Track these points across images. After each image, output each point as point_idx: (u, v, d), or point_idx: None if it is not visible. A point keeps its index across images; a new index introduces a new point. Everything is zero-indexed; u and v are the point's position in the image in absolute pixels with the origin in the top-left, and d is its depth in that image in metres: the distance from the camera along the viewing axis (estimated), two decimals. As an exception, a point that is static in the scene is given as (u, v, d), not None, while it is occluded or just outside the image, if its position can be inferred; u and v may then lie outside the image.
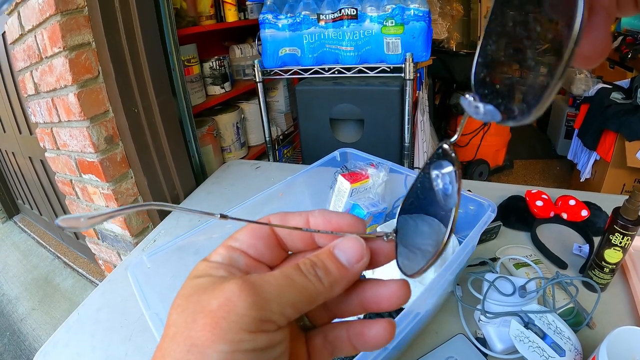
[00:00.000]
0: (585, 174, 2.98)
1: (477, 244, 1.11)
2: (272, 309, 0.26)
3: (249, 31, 2.57)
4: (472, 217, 0.84)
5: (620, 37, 3.71)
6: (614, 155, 2.66)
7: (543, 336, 0.75)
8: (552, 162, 4.02)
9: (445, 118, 3.83)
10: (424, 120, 2.15)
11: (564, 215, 1.19)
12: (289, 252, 0.35)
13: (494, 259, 1.03)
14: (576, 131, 3.15)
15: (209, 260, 0.31)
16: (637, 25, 3.66)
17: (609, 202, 1.19)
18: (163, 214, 1.63)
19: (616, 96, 2.82)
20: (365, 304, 0.33)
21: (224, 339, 0.25)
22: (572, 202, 1.19)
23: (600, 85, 3.05)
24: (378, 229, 0.97)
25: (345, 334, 0.33)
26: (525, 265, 1.00)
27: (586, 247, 1.08)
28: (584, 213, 1.16)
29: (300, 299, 0.28)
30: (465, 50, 3.84)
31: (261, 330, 0.26)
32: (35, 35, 1.47)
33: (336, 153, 1.13)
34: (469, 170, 3.52)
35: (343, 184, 1.01)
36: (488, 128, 3.41)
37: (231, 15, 2.31)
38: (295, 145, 2.85)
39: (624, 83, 2.99)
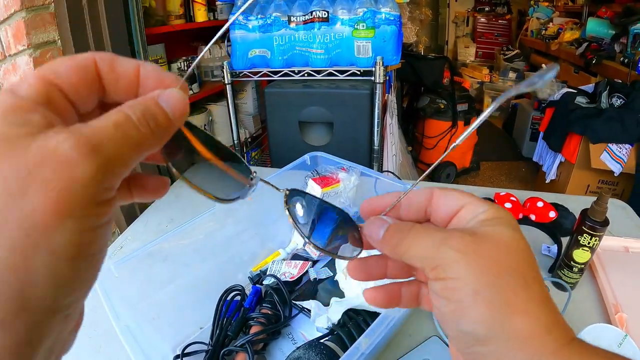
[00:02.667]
0: (551, 175, 3.05)
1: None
2: (115, 172, 0.23)
3: (218, 31, 2.54)
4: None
5: (585, 44, 3.81)
6: (578, 157, 2.73)
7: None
8: (518, 163, 4.10)
9: (412, 121, 3.86)
10: (392, 124, 2.16)
11: (532, 217, 1.21)
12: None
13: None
14: (541, 134, 3.23)
15: (17, 94, 0.23)
16: (602, 32, 3.77)
17: (575, 203, 1.21)
18: (130, 219, 1.60)
19: (581, 100, 2.89)
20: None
21: (71, 216, 0.20)
22: (540, 204, 1.21)
23: (565, 89, 3.12)
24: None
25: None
26: (496, 266, 1.01)
27: (554, 248, 1.10)
28: (552, 214, 1.18)
29: (132, 154, 0.24)
30: (433, 54, 3.90)
31: (106, 200, 0.22)
32: (-1, 32, 1.43)
33: (306, 157, 1.12)
34: (436, 172, 3.55)
35: (314, 189, 1.00)
36: (455, 131, 3.46)
37: (201, 15, 2.29)
38: (264, 148, 2.83)
39: (588, 88, 3.07)
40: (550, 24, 4.99)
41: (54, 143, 0.21)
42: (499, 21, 6.32)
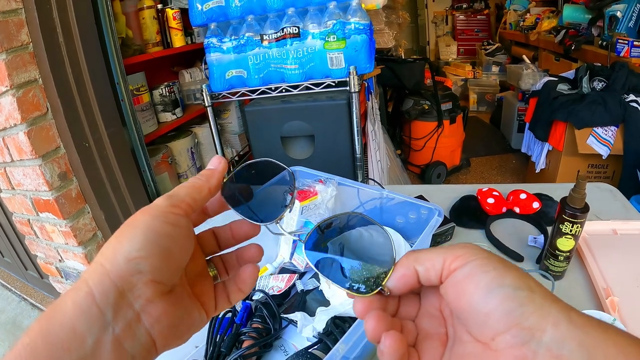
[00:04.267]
0: (540, 165, 3.06)
1: (433, 246, 1.13)
2: (178, 197, 0.39)
3: (197, 55, 2.56)
4: (424, 223, 0.86)
5: (563, 31, 3.82)
6: (565, 144, 2.75)
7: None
8: (507, 156, 4.11)
9: (399, 124, 3.88)
10: (375, 130, 2.17)
11: (516, 210, 1.22)
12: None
13: (451, 260, 1.04)
14: (527, 124, 3.23)
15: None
16: (579, 17, 3.78)
17: (560, 191, 1.22)
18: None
19: (562, 87, 2.90)
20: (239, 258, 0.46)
21: (148, 214, 0.36)
22: (523, 196, 1.22)
23: (547, 78, 3.12)
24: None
25: (233, 282, 0.45)
26: (482, 262, 1.02)
27: (541, 238, 1.11)
28: (536, 205, 1.19)
29: (191, 190, 0.41)
30: (413, 57, 3.92)
31: (172, 212, 0.38)
32: (-20, 74, 1.45)
33: (285, 172, 1.13)
34: (427, 173, 3.57)
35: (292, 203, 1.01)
36: (442, 130, 3.48)
37: (178, 40, 2.30)
38: (251, 165, 2.84)
39: (569, 74, 3.07)
40: (528, 14, 5.01)
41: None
42: (478, 17, 6.37)
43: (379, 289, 0.37)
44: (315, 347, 0.77)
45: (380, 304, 0.38)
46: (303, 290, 0.95)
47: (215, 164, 0.45)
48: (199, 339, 0.86)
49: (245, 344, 0.81)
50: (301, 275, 1.02)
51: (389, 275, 0.37)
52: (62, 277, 1.91)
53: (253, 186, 0.50)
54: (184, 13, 2.15)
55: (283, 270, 1.05)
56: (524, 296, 0.31)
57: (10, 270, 3.55)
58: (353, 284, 0.39)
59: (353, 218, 0.43)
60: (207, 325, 0.84)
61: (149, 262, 0.34)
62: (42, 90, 1.46)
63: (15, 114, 1.41)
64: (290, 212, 0.47)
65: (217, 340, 0.82)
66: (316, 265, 0.41)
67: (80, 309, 0.32)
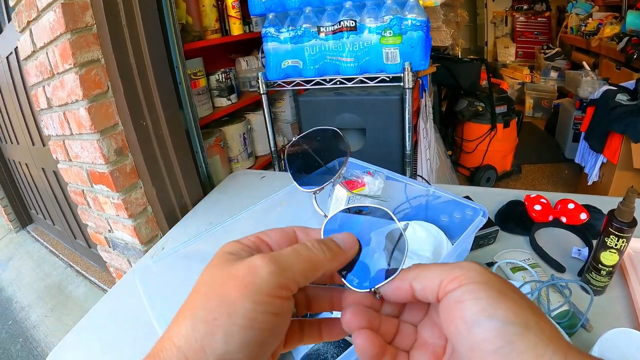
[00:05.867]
0: (593, 177, 2.97)
1: (476, 248, 1.13)
2: (287, 276, 0.33)
3: (254, 43, 2.60)
4: (468, 223, 0.86)
5: (626, 38, 3.69)
6: (620, 157, 2.65)
7: (535, 338, 0.76)
8: (560, 166, 4.00)
9: (452, 124, 3.83)
10: (426, 128, 2.17)
11: (563, 219, 1.19)
12: None
13: (491, 264, 1.04)
14: (583, 134, 3.14)
15: (240, 242, 0.38)
16: (641, 25, 3.64)
17: (610, 204, 1.16)
18: (171, 223, 1.67)
19: (621, 97, 2.79)
20: (334, 303, 0.41)
21: (250, 298, 0.31)
22: (571, 206, 1.20)
23: (606, 87, 3.02)
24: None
25: (316, 324, 0.41)
26: (522, 269, 1.01)
27: (585, 251, 1.08)
28: (583, 216, 1.16)
29: (307, 268, 0.34)
30: (470, 57, 3.85)
31: (279, 296, 0.32)
32: (47, 52, 1.52)
33: (335, 162, 1.15)
34: (476, 176, 3.52)
35: (340, 192, 1.03)
36: (495, 134, 3.42)
37: (236, 28, 2.34)
38: (302, 155, 2.87)
39: (630, 84, 2.96)
40: (590, 19, 4.82)
41: (252, 258, 0.33)
42: (538, 19, 6.17)
43: (368, 289, 0.38)
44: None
45: (369, 303, 0.38)
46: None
47: (349, 246, 0.38)
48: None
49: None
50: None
51: (384, 282, 0.37)
52: (109, 246, 1.98)
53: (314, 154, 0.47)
54: (243, 2, 2.17)
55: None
56: (515, 333, 0.29)
57: (60, 237, 3.70)
58: (349, 275, 0.39)
59: (383, 214, 0.43)
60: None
61: None
62: (103, 69, 1.52)
63: (77, 90, 1.47)
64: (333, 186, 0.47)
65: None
66: None
67: None
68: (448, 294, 0.32)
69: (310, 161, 0.46)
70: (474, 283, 0.32)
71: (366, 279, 0.38)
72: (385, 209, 0.42)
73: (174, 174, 1.73)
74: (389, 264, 0.39)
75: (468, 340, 0.30)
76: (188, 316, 0.31)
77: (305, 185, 0.46)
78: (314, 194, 0.47)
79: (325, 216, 0.43)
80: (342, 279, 0.39)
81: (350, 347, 0.44)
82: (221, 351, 0.30)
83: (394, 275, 0.37)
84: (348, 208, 0.43)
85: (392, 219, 0.41)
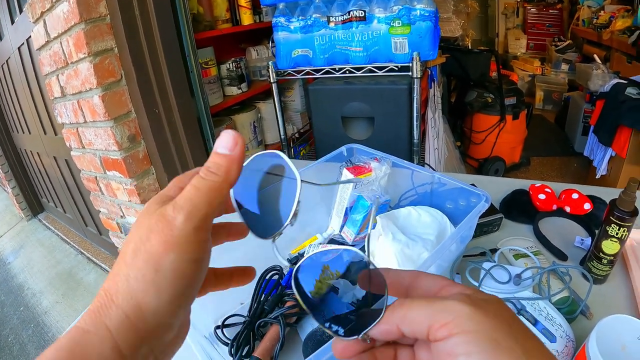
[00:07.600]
0: (601, 171, 2.97)
1: (479, 235, 1.15)
2: (200, 216, 0.33)
3: (264, 33, 2.62)
4: (472, 209, 0.87)
5: (637, 32, 3.65)
6: (629, 151, 2.64)
7: (534, 322, 0.77)
8: (569, 159, 3.98)
9: (461, 116, 3.82)
10: (435, 118, 2.18)
11: (567, 209, 1.20)
12: None
13: (494, 250, 1.06)
14: (592, 127, 3.13)
15: (163, 192, 0.37)
16: (654, 19, 3.60)
17: (614, 195, 1.18)
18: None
19: (631, 91, 2.77)
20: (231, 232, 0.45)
21: (173, 250, 0.31)
22: (575, 196, 1.21)
23: (616, 80, 3.00)
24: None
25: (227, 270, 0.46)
26: (525, 256, 1.02)
27: (588, 240, 1.09)
28: (587, 206, 1.17)
29: (212, 197, 0.34)
30: (480, 48, 3.84)
31: (198, 240, 0.33)
32: (60, 42, 1.55)
33: (343, 148, 1.17)
34: (484, 167, 3.52)
35: (347, 177, 1.06)
36: (504, 125, 3.41)
37: (246, 18, 2.36)
38: (311, 143, 2.89)
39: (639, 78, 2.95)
40: (602, 12, 4.76)
41: (166, 210, 0.33)
42: (550, 11, 6.11)
43: (356, 337, 0.36)
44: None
45: (360, 347, 0.36)
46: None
47: (230, 146, 0.35)
48: (245, 295, 0.92)
49: (288, 305, 0.86)
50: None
51: (370, 327, 0.35)
52: (121, 232, 2.01)
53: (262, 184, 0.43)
54: (253, -7, 2.21)
55: (332, 242, 1.09)
56: None
57: (71, 225, 3.75)
58: (333, 325, 0.37)
59: (356, 256, 0.39)
60: (253, 285, 0.89)
61: (176, 315, 0.33)
62: (117, 58, 1.55)
63: (91, 79, 1.51)
64: (292, 226, 0.42)
65: (262, 299, 0.87)
66: (302, 298, 0.38)
67: None
68: (438, 342, 0.31)
69: (259, 200, 0.43)
70: (465, 333, 0.29)
71: (352, 324, 0.36)
72: (351, 248, 0.39)
73: (185, 160, 1.76)
74: (370, 304, 0.37)
75: None
76: (122, 273, 0.32)
77: (261, 232, 0.43)
78: (273, 240, 0.44)
79: (292, 264, 0.41)
80: (329, 330, 0.36)
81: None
82: (154, 305, 0.31)
83: (379, 318, 0.35)
84: (311, 256, 0.40)
85: (360, 255, 0.39)
